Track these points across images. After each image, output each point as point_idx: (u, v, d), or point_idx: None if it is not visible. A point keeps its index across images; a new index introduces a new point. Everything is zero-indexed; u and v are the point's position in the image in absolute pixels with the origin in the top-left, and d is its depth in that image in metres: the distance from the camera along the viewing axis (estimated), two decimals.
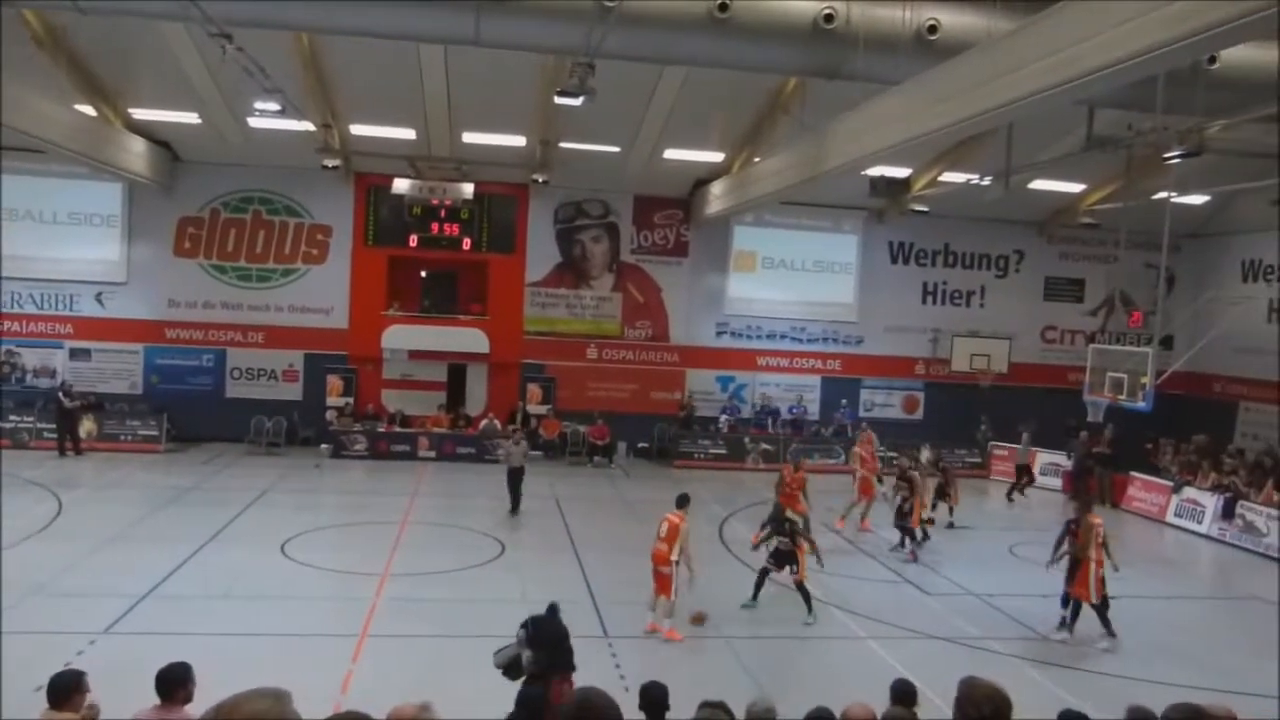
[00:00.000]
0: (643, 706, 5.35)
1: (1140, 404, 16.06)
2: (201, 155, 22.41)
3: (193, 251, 23.18)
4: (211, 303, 23.36)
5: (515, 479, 17.72)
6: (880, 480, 18.43)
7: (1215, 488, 19.49)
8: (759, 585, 12.42)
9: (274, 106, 15.00)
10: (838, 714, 4.93)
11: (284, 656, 9.85)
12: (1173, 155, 13.86)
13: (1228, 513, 18.65)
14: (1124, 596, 12.56)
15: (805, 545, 12.24)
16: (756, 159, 20.49)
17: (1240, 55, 12.36)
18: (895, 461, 18.95)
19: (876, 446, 19.34)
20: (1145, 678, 10.58)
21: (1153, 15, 7.82)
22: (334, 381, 23.48)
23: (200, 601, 11.74)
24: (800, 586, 12.10)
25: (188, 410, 22.68)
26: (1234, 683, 9.96)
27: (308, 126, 19.07)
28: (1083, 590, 11.89)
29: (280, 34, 15.70)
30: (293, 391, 23.64)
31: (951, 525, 17.93)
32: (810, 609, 12.02)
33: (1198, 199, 21.95)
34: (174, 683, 5.35)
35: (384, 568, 13.55)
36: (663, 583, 11.26)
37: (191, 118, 20.48)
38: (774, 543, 12.29)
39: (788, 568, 12.19)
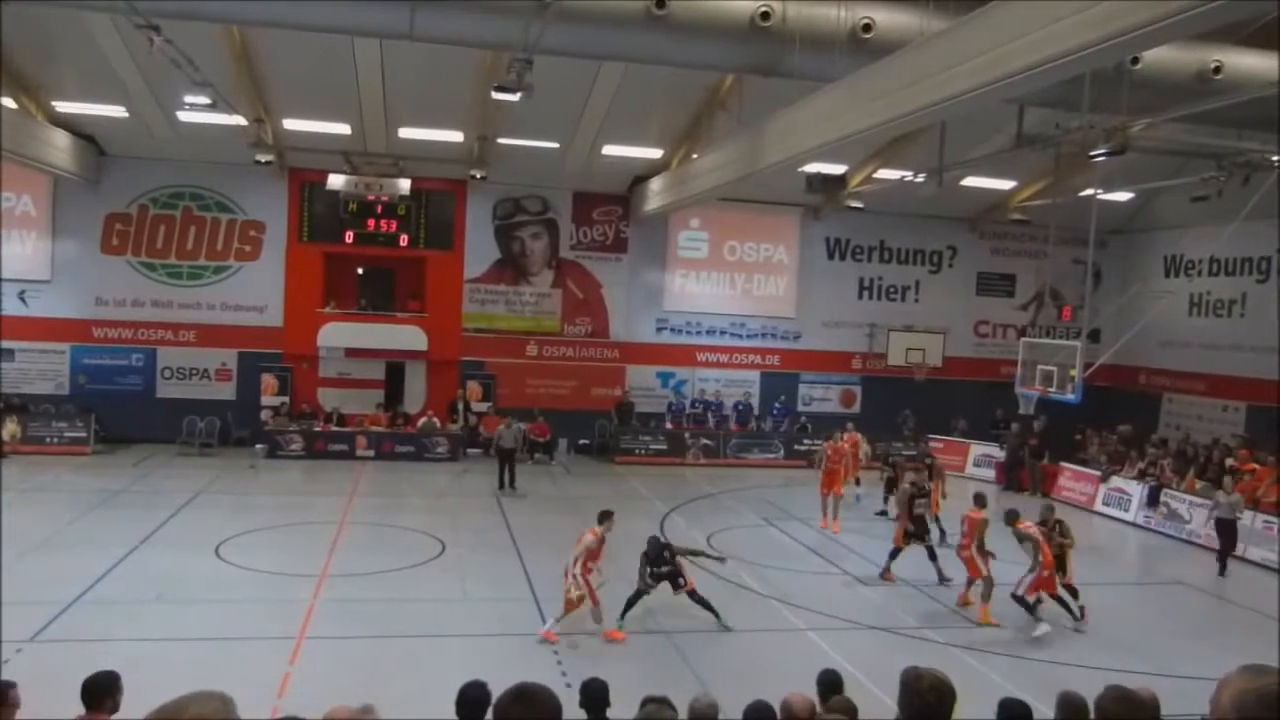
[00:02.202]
0: (583, 704, 5.35)
1: (1069, 396, 16.50)
2: (129, 150, 21.81)
3: (120, 248, 22.57)
4: (141, 301, 22.76)
5: (507, 458, 19.62)
6: (858, 481, 18.80)
7: (1141, 476, 20.13)
8: (629, 605, 11.48)
9: (204, 100, 14.66)
10: (777, 706, 4.99)
11: (219, 660, 9.65)
12: (1098, 153, 14.25)
13: (1153, 501, 19.27)
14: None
15: (685, 563, 11.74)
16: (695, 155, 20.58)
17: (1161, 56, 12.77)
18: (890, 459, 19.26)
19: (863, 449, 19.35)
20: (1075, 662, 10.88)
21: (1079, 16, 8.03)
22: (269, 380, 23.07)
23: (131, 606, 11.44)
24: (695, 597, 11.59)
25: (117, 411, 22.07)
26: (1160, 666, 10.32)
27: (239, 121, 18.66)
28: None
29: (210, 26, 15.36)
30: (226, 391, 23.15)
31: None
32: (718, 616, 11.56)
33: (1122, 196, 22.61)
34: (100, 692, 5.20)
35: (322, 569, 13.35)
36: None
37: (118, 111, 19.93)
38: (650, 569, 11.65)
39: (674, 586, 11.64)
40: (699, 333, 25.44)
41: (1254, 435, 20.80)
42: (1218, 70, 13.37)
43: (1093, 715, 4.01)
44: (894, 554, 14.24)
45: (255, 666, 9.55)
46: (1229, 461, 19.03)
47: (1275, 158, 15.31)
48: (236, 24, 15.96)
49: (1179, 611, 13.94)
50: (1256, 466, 18.45)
